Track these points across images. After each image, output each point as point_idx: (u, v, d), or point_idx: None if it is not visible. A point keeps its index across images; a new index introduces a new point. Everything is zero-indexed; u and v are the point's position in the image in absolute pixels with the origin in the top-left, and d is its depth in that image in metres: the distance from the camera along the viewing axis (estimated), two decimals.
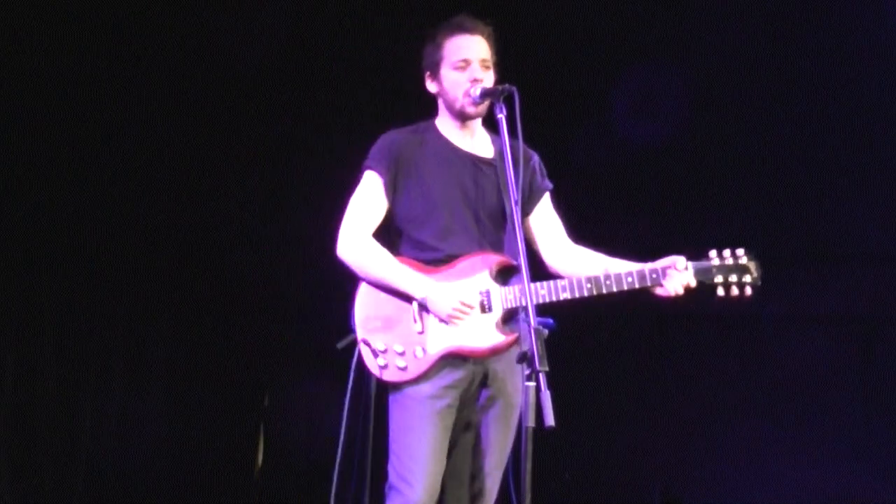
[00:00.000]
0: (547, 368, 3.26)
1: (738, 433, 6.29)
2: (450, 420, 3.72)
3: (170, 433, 6.49)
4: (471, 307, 3.68)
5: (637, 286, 3.69)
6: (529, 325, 3.34)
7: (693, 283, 3.69)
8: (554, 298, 3.64)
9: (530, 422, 3.24)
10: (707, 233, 6.01)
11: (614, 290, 3.67)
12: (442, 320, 3.68)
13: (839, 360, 6.22)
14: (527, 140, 3.65)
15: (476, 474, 3.78)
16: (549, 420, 3.20)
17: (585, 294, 3.66)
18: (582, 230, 4.00)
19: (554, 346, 3.35)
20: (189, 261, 6.59)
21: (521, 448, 3.27)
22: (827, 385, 6.22)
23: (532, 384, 3.25)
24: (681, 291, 3.68)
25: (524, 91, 3.60)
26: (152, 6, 6.15)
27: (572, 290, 3.65)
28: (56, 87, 5.95)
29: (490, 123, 3.79)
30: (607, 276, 3.66)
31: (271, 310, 6.73)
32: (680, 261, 3.70)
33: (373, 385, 3.75)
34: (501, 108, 3.65)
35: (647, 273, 3.69)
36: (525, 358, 3.30)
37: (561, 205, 4.04)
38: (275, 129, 6.67)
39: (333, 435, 3.81)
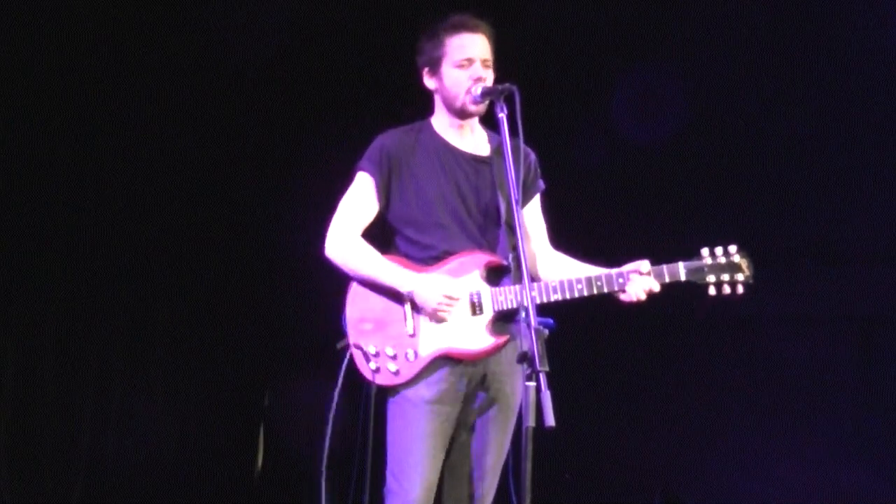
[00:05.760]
0: (547, 368, 3.25)
1: (738, 433, 6.29)
2: (447, 422, 3.72)
3: (170, 433, 6.49)
4: (455, 299, 3.67)
5: (605, 290, 3.68)
6: (530, 324, 3.33)
7: (657, 289, 3.67)
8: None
9: (530, 422, 3.23)
10: (706, 233, 5.98)
11: (585, 294, 3.68)
12: (430, 313, 3.68)
13: (838, 359, 6.22)
14: (527, 139, 3.65)
15: (474, 474, 3.79)
16: (550, 420, 3.19)
17: (558, 298, 3.66)
18: (581, 230, 4.01)
19: (554, 346, 3.35)
20: (189, 261, 6.59)
21: (521, 448, 3.26)
22: (826, 385, 6.21)
23: (532, 384, 3.25)
24: (643, 297, 3.67)
25: (524, 91, 3.60)
26: (153, 6, 6.15)
27: (540, 294, 3.65)
28: (57, 88, 5.96)
29: (489, 122, 3.80)
30: (578, 281, 3.67)
31: (271, 310, 6.73)
32: (644, 264, 3.69)
33: (373, 387, 3.74)
34: (502, 108, 3.64)
35: (613, 277, 3.69)
36: (525, 358, 3.29)
37: (559, 205, 4.04)
38: (275, 129, 6.68)
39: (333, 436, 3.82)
